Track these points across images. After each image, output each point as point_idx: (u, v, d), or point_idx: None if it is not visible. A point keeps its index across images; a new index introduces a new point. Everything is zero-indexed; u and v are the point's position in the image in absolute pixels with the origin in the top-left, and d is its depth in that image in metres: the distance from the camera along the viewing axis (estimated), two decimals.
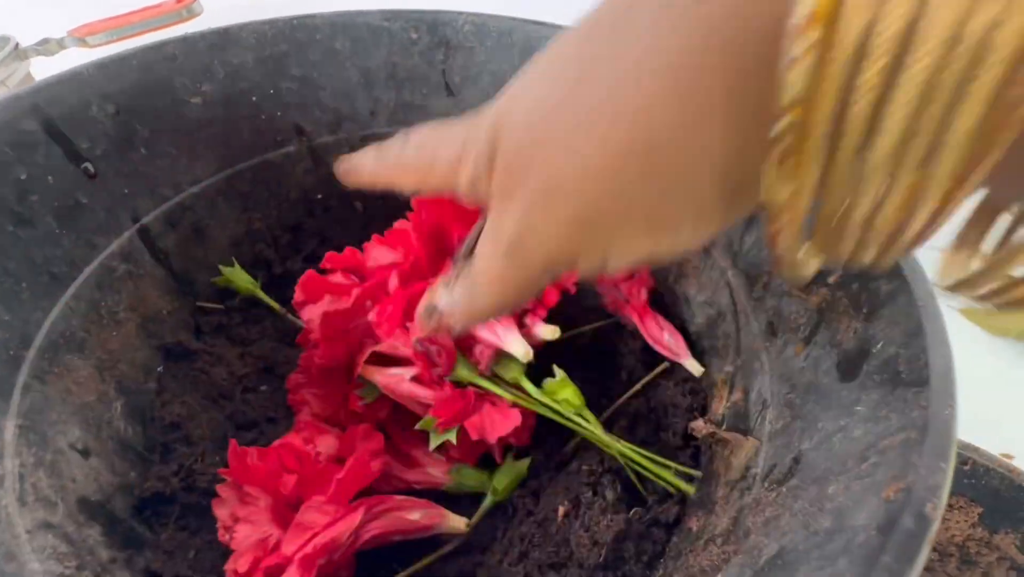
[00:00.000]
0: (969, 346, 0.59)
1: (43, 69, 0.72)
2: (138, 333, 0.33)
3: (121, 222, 0.32)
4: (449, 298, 0.21)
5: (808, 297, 0.26)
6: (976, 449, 0.38)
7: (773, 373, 0.27)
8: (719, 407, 0.31)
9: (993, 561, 0.37)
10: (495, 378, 0.32)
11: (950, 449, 0.15)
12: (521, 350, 0.33)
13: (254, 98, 0.37)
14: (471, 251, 0.20)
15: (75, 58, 0.67)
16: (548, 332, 0.33)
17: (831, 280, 0.24)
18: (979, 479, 0.38)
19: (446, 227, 0.34)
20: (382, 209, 0.46)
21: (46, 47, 0.67)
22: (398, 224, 0.36)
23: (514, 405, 0.31)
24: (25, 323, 0.26)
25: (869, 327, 0.21)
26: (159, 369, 0.34)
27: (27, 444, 0.23)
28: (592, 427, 0.30)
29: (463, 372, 0.31)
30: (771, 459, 0.24)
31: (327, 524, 0.26)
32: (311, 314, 0.34)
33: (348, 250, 0.36)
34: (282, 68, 0.38)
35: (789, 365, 0.26)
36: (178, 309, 0.36)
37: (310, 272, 0.34)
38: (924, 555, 0.13)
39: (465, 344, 0.34)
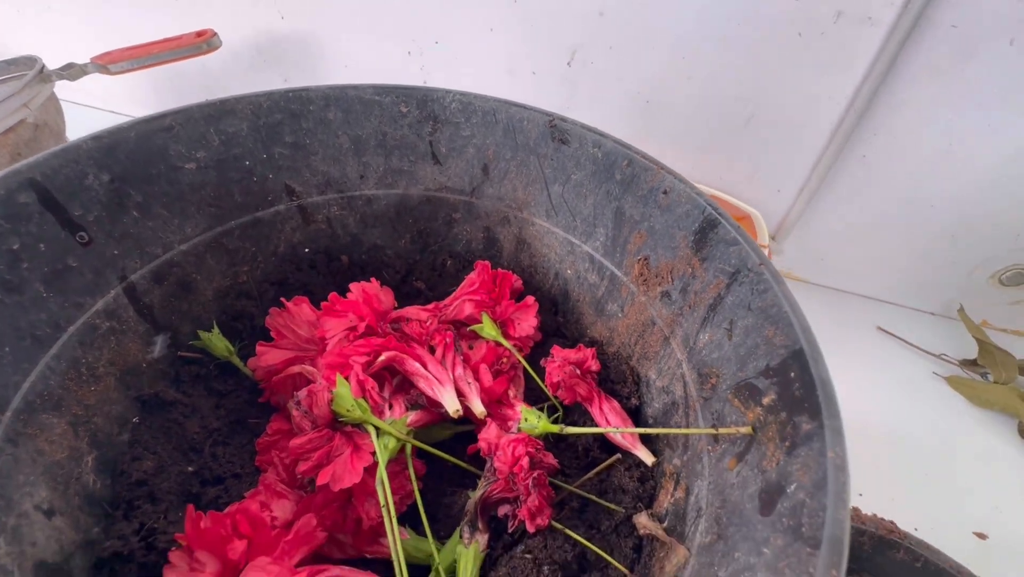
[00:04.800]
0: (952, 416, 0.59)
1: (66, 93, 0.76)
2: (116, 386, 0.35)
3: (108, 281, 0.34)
4: None
5: (746, 411, 0.27)
6: (929, 547, 0.38)
7: (711, 481, 0.28)
8: (664, 501, 0.32)
9: None
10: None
11: None
12: (452, 406, 0.34)
13: (247, 162, 0.39)
14: None
15: (97, 83, 0.71)
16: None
17: (765, 401, 0.25)
18: None
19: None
20: (368, 264, 0.48)
21: (70, 72, 0.70)
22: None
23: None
24: (3, 387, 0.28)
25: (789, 463, 0.22)
26: (134, 420, 0.36)
27: None
28: None
29: (356, 412, 0.32)
30: (695, 576, 0.24)
31: None
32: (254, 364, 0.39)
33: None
34: (276, 135, 0.40)
35: (723, 478, 0.27)
36: (157, 360, 0.38)
37: (259, 344, 0.38)
38: None
39: (404, 385, 0.36)
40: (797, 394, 0.23)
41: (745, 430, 0.26)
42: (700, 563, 0.24)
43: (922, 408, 0.61)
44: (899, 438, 0.58)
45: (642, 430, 0.31)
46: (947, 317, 0.71)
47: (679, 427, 0.33)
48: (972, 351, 0.64)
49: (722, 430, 0.27)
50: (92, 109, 0.88)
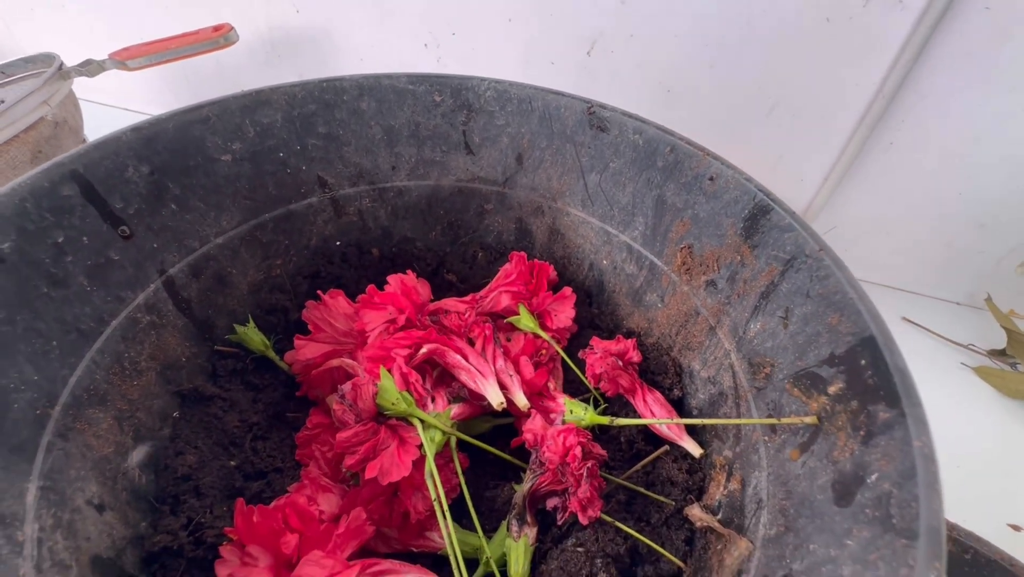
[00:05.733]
0: (982, 406, 0.58)
1: (85, 89, 0.76)
2: (157, 381, 0.34)
3: (148, 275, 0.34)
4: None
5: (808, 401, 0.26)
6: (978, 539, 0.38)
7: (771, 472, 0.27)
8: (716, 493, 0.31)
9: None
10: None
11: None
12: (496, 398, 0.34)
13: (281, 154, 0.39)
14: None
15: (115, 79, 0.70)
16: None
17: (831, 390, 0.25)
18: (980, 569, 0.38)
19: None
20: (398, 256, 0.47)
21: (88, 68, 0.70)
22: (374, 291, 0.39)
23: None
24: (52, 382, 0.27)
25: (865, 453, 0.21)
26: (175, 415, 0.35)
27: (47, 505, 0.25)
28: None
29: (401, 405, 0.31)
30: (763, 568, 0.24)
31: None
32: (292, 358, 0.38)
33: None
34: (310, 126, 0.39)
35: (786, 469, 0.26)
36: (196, 355, 0.38)
37: (297, 337, 0.38)
38: None
39: (445, 377, 0.36)
40: (870, 382, 0.23)
41: (810, 420, 0.25)
42: (768, 556, 0.24)
43: (950, 399, 0.60)
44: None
45: (699, 421, 0.30)
46: (974, 307, 0.70)
47: (728, 418, 0.33)
48: (1000, 341, 0.63)
49: (784, 420, 0.26)
50: (107, 107, 0.88)
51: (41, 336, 0.27)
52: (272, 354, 0.40)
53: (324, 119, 0.39)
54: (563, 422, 0.35)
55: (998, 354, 0.63)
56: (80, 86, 0.68)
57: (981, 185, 0.59)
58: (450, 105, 0.41)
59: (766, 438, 0.29)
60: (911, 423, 0.20)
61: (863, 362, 0.23)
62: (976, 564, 0.38)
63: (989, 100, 0.53)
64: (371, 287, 0.38)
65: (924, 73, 0.53)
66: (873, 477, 0.20)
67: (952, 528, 0.38)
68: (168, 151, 0.33)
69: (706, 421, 0.29)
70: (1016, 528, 0.49)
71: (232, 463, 0.35)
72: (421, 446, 0.32)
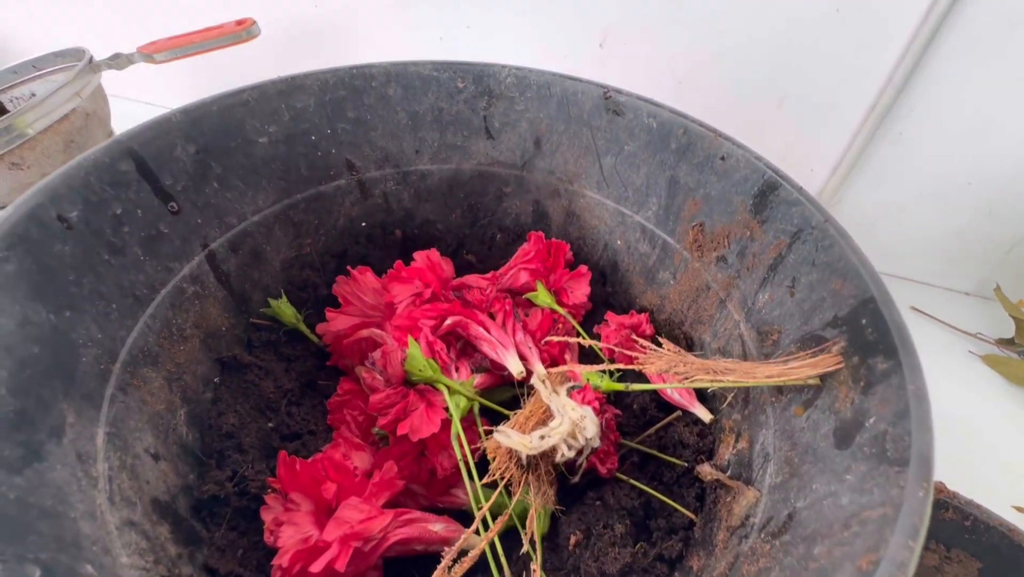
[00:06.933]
0: (990, 394, 0.59)
1: (113, 82, 0.78)
2: (201, 347, 0.37)
3: (193, 248, 0.36)
4: None
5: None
6: (978, 507, 0.39)
7: (777, 429, 0.29)
8: (725, 453, 0.33)
9: None
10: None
11: (921, 529, 0.17)
12: (516, 368, 0.36)
13: (313, 137, 0.41)
14: None
15: (142, 72, 0.73)
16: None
17: (834, 349, 0.27)
18: (979, 535, 0.39)
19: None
20: (420, 237, 0.49)
21: (117, 61, 0.72)
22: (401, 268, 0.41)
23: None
24: (113, 340, 0.30)
25: (864, 400, 0.23)
26: (216, 380, 0.38)
27: (113, 449, 0.27)
28: None
29: (428, 372, 0.34)
30: (769, 511, 0.26)
31: (362, 520, 0.29)
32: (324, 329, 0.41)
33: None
34: (340, 111, 0.41)
35: (791, 424, 0.28)
36: (234, 325, 0.40)
37: (328, 309, 0.41)
38: None
39: (467, 349, 0.38)
40: (870, 338, 0.24)
41: (813, 381, 0.27)
42: (773, 500, 0.26)
43: (958, 386, 0.61)
44: (935, 416, 0.58)
45: (707, 384, 0.32)
46: (982, 297, 0.70)
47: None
48: (1009, 330, 0.64)
49: (789, 381, 0.28)
50: (126, 100, 0.90)
51: (103, 298, 0.30)
52: (303, 327, 0.42)
53: (353, 104, 0.42)
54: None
55: (1006, 343, 0.64)
56: (119, 77, 0.70)
57: (990, 173, 0.60)
58: (472, 91, 0.43)
59: (773, 399, 0.30)
60: (906, 371, 0.22)
61: (864, 321, 0.25)
62: (976, 530, 0.39)
63: (999, 87, 0.54)
64: (399, 262, 0.40)
65: (934, 63, 0.54)
66: (871, 420, 0.22)
67: (953, 496, 0.40)
68: (212, 132, 0.36)
69: (714, 384, 0.31)
70: (1021, 510, 0.50)
71: (269, 424, 0.37)
72: (447, 408, 0.34)
